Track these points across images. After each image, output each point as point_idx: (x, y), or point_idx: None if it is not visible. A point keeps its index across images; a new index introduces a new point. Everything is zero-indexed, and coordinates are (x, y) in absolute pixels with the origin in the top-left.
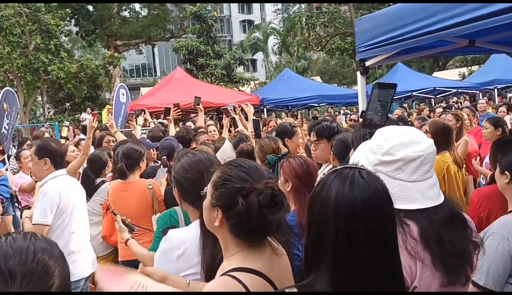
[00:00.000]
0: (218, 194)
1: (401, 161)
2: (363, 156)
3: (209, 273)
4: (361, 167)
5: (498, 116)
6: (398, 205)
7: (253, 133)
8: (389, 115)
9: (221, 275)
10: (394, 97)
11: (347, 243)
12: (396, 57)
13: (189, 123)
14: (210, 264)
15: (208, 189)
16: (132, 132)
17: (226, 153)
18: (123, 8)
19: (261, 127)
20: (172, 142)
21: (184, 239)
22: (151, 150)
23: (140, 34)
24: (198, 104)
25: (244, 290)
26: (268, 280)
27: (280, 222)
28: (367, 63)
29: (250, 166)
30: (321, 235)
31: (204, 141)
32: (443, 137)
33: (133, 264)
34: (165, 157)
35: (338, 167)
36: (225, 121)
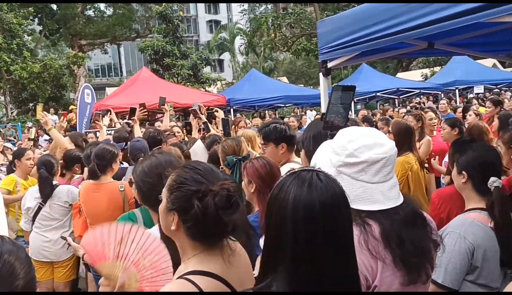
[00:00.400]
0: (174, 197)
1: (365, 162)
2: (326, 156)
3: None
4: (319, 169)
5: (456, 117)
6: (361, 206)
7: (222, 132)
8: (353, 116)
9: (177, 278)
10: (359, 98)
11: (306, 245)
12: (358, 58)
13: (157, 124)
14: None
15: (164, 193)
16: (98, 132)
17: (197, 153)
18: (87, 7)
19: (230, 126)
20: (145, 144)
21: None
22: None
23: (105, 33)
24: (163, 105)
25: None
26: (225, 283)
27: (236, 223)
28: (329, 65)
29: (205, 168)
30: (279, 237)
31: (173, 143)
32: (405, 138)
33: None
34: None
35: (296, 169)
36: (194, 122)
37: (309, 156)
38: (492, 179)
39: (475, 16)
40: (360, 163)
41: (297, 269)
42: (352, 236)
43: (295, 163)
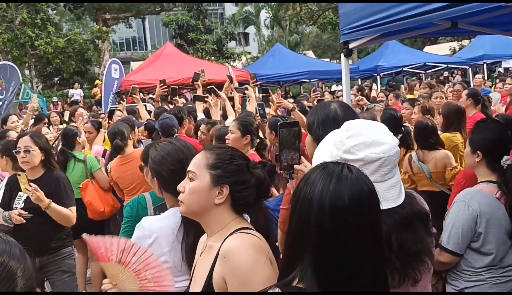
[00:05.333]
0: (225, 171)
1: (361, 161)
2: (327, 149)
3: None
4: (350, 164)
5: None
6: None
7: (259, 116)
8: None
9: (229, 236)
10: (385, 73)
11: (332, 240)
12: (380, 39)
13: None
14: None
15: (201, 172)
16: (137, 107)
17: None
18: None
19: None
20: (168, 121)
21: (155, 228)
22: (137, 128)
23: (129, 7)
24: (197, 81)
25: (262, 242)
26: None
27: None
28: (351, 46)
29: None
30: (303, 231)
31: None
32: (454, 119)
33: None
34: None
35: (325, 162)
36: (213, 101)
37: (317, 141)
38: (505, 157)
39: None
40: (357, 160)
41: (321, 264)
42: (381, 233)
43: None
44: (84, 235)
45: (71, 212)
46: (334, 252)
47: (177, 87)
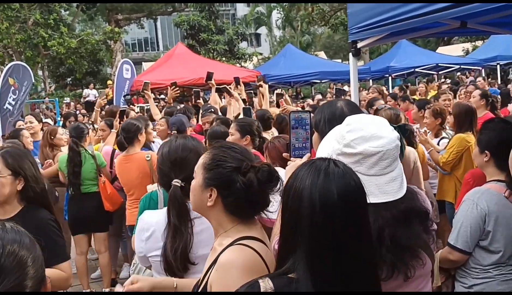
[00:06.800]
0: (213, 174)
1: (360, 154)
2: (330, 143)
3: (165, 261)
4: (334, 159)
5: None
6: None
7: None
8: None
9: (227, 246)
10: (397, 74)
11: (323, 234)
12: (389, 38)
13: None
14: (167, 254)
15: (197, 171)
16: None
17: None
18: None
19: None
20: (181, 118)
21: (152, 222)
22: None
23: (141, 8)
24: (210, 80)
25: (258, 256)
26: (267, 246)
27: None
28: (359, 45)
29: (241, 147)
30: (295, 226)
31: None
32: (466, 119)
33: None
34: (175, 132)
35: (312, 159)
36: (227, 99)
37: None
38: None
39: None
40: (356, 154)
41: (313, 256)
42: (369, 224)
43: None
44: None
45: (65, 272)
46: (325, 244)
47: (199, 89)
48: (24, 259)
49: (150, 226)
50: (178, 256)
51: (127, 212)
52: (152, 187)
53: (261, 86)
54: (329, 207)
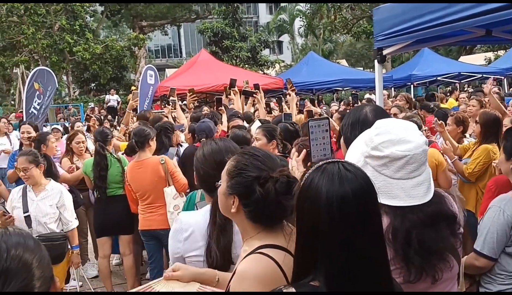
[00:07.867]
0: (234, 182)
1: (387, 157)
2: (359, 145)
3: (209, 256)
4: (342, 161)
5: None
6: (381, 199)
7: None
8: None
9: (248, 254)
10: (419, 82)
11: (344, 238)
12: (413, 46)
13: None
14: (212, 252)
15: (223, 177)
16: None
17: None
18: None
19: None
20: (209, 124)
21: (191, 222)
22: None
23: (165, 14)
24: (234, 87)
25: (276, 265)
26: (290, 254)
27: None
28: (385, 52)
29: (264, 155)
30: (314, 234)
31: (237, 125)
32: (492, 128)
33: (151, 233)
34: (204, 139)
35: (320, 163)
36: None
37: (347, 143)
38: None
39: None
40: (383, 157)
41: (335, 263)
42: (381, 223)
43: None
44: None
45: None
46: (345, 247)
47: (221, 96)
48: (29, 261)
49: (189, 226)
50: (222, 255)
51: (140, 216)
52: (169, 190)
53: (289, 94)
54: (346, 210)
